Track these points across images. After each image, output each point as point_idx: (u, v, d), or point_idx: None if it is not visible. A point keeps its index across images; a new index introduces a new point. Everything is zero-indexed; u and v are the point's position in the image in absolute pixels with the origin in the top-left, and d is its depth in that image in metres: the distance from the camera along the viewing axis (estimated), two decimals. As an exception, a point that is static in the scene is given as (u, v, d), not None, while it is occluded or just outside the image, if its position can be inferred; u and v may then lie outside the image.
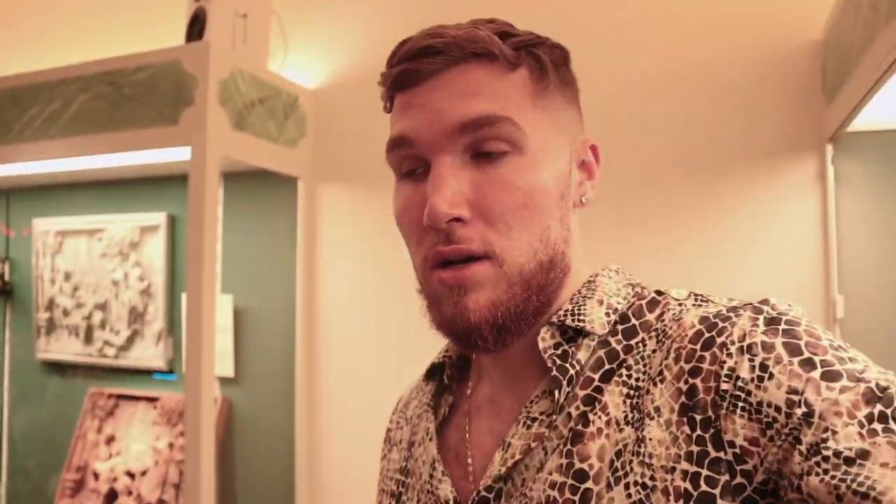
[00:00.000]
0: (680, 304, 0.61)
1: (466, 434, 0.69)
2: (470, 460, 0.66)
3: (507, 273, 0.59)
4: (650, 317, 0.62)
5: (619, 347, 0.61)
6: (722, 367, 0.52)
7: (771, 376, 0.50)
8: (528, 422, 0.61)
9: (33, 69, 1.81)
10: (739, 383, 0.51)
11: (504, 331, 0.60)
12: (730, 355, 0.53)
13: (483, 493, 0.61)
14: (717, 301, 0.61)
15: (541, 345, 0.62)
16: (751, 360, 0.51)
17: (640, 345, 0.60)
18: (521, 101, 0.60)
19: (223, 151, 1.66)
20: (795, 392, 0.49)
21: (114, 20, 2.18)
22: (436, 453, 0.68)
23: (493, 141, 0.59)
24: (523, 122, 0.60)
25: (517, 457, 0.60)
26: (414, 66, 0.60)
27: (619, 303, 0.64)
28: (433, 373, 0.77)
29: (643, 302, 0.64)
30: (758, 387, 0.50)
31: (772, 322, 0.53)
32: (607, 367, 0.60)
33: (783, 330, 0.52)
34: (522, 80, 0.61)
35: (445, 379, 0.74)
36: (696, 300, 0.62)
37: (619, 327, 0.63)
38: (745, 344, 0.53)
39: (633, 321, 0.62)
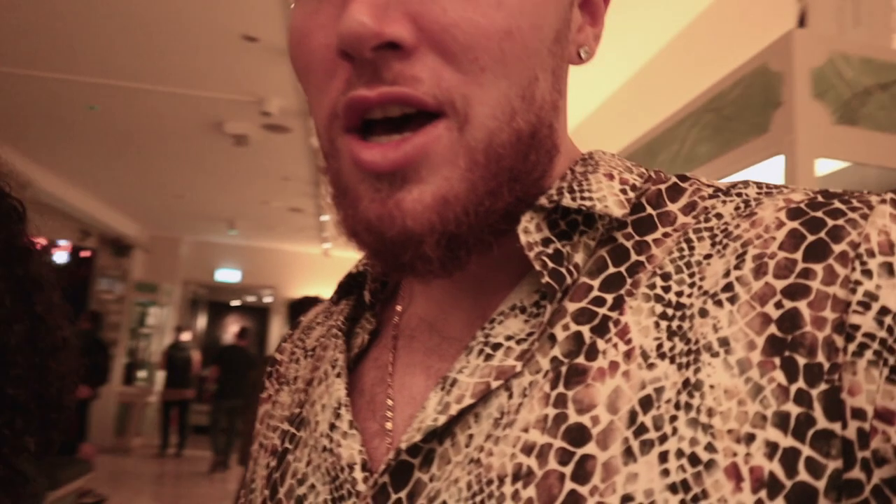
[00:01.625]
0: (730, 195, 0.43)
1: (389, 373, 0.48)
2: (390, 410, 0.46)
3: (470, 142, 0.39)
4: (673, 207, 0.44)
5: (628, 244, 0.43)
6: (850, 289, 0.35)
7: None
8: (488, 350, 0.42)
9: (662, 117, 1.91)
10: (888, 320, 0.34)
11: (458, 244, 0.40)
12: (866, 272, 0.35)
13: (404, 457, 0.41)
14: (798, 188, 0.42)
15: (523, 239, 0.42)
16: None
17: (675, 244, 0.42)
18: None
19: (819, 152, 1.38)
20: None
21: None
22: (343, 395, 0.47)
23: None
24: None
25: (467, 401, 0.40)
26: None
27: (635, 179, 0.46)
28: (347, 288, 0.56)
29: (662, 186, 0.46)
30: None
31: None
32: (612, 270, 0.42)
33: None
34: None
35: (366, 296, 0.53)
36: (759, 188, 0.43)
37: (629, 218, 0.44)
38: (892, 260, 0.35)
39: (649, 210, 0.45)
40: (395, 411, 0.46)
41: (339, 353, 0.50)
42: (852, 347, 0.34)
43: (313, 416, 0.50)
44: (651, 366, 0.37)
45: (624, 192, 0.44)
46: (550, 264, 0.41)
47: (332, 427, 0.47)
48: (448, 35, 0.38)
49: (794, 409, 0.33)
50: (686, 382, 0.36)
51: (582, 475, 0.35)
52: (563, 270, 0.42)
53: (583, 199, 0.43)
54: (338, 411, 0.47)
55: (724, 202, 0.43)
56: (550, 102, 0.43)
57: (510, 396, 0.40)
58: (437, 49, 0.39)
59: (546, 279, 0.41)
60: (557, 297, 0.41)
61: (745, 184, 0.44)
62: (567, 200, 0.42)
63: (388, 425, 0.45)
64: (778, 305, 0.36)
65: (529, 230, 0.42)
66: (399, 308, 0.52)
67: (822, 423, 0.33)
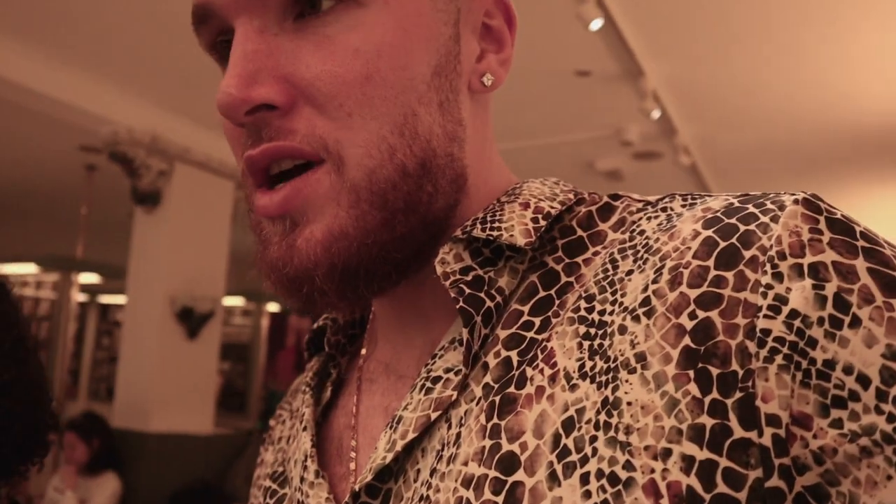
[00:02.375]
0: (657, 209, 0.45)
1: (353, 417, 0.53)
2: (353, 452, 0.50)
3: (351, 183, 0.43)
4: (604, 226, 0.47)
5: (559, 268, 0.46)
6: (760, 293, 0.36)
7: (855, 321, 0.34)
8: (429, 384, 0.45)
9: None
10: (796, 323, 0.34)
11: (354, 278, 0.44)
12: (776, 275, 0.36)
13: (363, 498, 0.45)
14: (722, 196, 0.43)
15: (439, 269, 0.45)
16: (817, 288, 0.35)
17: (603, 264, 0.43)
18: None
19: None
20: None
21: None
22: (309, 447, 0.52)
23: None
24: None
25: (410, 436, 0.43)
26: None
27: (552, 207, 0.48)
28: (317, 343, 0.61)
29: (593, 208, 0.48)
30: (829, 335, 0.34)
31: (842, 228, 0.36)
32: (542, 294, 0.45)
33: (863, 248, 0.35)
34: None
35: (326, 347, 0.59)
36: (683, 200, 0.45)
37: (559, 242, 0.47)
38: (803, 261, 0.36)
39: (580, 232, 0.47)
40: (359, 453, 0.50)
41: (306, 408, 0.55)
42: (763, 353, 0.35)
43: (290, 471, 0.55)
44: (574, 387, 0.39)
45: (535, 220, 0.46)
46: (467, 290, 0.44)
47: (302, 479, 0.51)
48: (313, 88, 0.43)
49: (708, 422, 0.34)
50: (605, 401, 0.38)
51: (512, 503, 0.37)
52: (482, 294, 0.44)
53: (492, 229, 0.45)
54: (305, 463, 0.51)
55: (649, 218, 0.44)
56: (443, 134, 0.46)
57: (449, 427, 0.42)
58: (310, 102, 0.43)
59: (461, 304, 0.43)
60: (479, 323, 0.43)
61: (672, 197, 0.46)
62: (477, 231, 0.45)
63: (353, 466, 0.49)
64: (692, 316, 0.37)
65: (447, 261, 0.45)
66: (363, 352, 0.57)
67: (738, 432, 0.34)
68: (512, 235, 0.45)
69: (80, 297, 8.18)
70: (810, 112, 4.36)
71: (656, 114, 3.93)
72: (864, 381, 0.33)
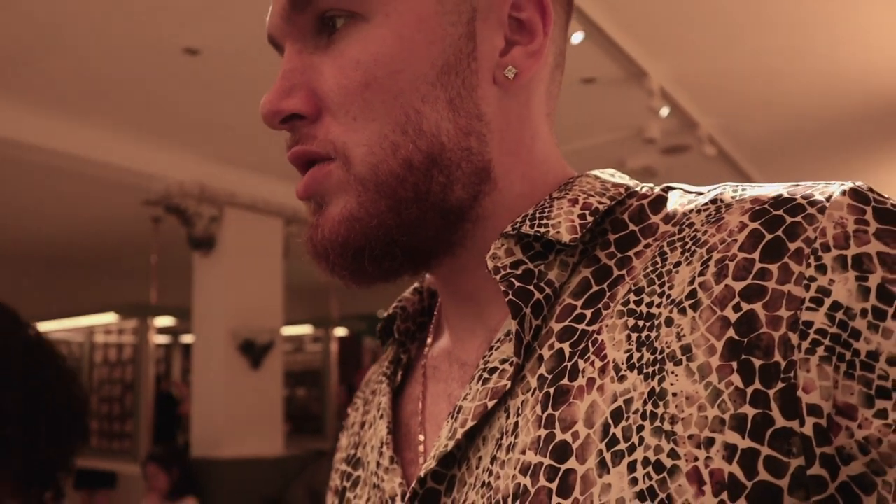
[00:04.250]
0: (707, 200, 0.44)
1: (420, 404, 0.55)
2: (422, 440, 0.52)
3: (357, 176, 0.48)
4: (656, 219, 0.46)
5: (611, 263, 0.46)
6: (803, 286, 0.36)
7: None
8: (485, 375, 0.47)
9: None
10: (839, 315, 0.35)
11: (360, 254, 0.48)
12: (820, 268, 0.36)
13: (430, 484, 0.46)
14: (770, 185, 0.42)
15: (490, 264, 0.47)
16: (860, 280, 0.35)
17: (653, 256, 0.44)
18: None
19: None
20: None
21: None
22: (385, 434, 0.54)
23: (330, 10, 0.48)
24: None
25: (469, 424, 0.45)
26: None
27: (601, 203, 0.48)
28: (386, 330, 0.62)
29: (645, 202, 0.48)
30: (872, 327, 0.34)
31: (890, 218, 0.36)
32: (596, 288, 0.45)
33: None
34: None
35: (396, 334, 0.61)
36: (734, 191, 0.44)
37: (611, 236, 0.47)
38: (847, 252, 0.35)
39: (632, 226, 0.47)
40: (427, 439, 0.52)
41: (383, 397, 0.58)
42: (805, 344, 0.34)
43: (365, 456, 0.58)
44: (622, 378, 0.39)
45: (583, 216, 0.47)
46: (517, 284, 0.45)
47: (378, 464, 0.54)
48: (328, 98, 0.48)
49: (750, 411, 0.34)
50: (651, 392, 0.38)
51: (565, 489, 0.38)
52: (531, 287, 0.45)
53: (540, 225, 0.47)
54: (381, 449, 0.54)
55: (698, 210, 0.44)
56: (454, 129, 0.48)
57: (507, 416, 0.44)
58: (328, 111, 0.48)
59: (510, 297, 0.45)
60: (528, 315, 0.45)
61: (723, 187, 0.45)
62: (526, 228, 0.47)
63: (421, 450, 0.52)
64: (736, 308, 0.37)
65: (498, 256, 0.47)
66: (429, 341, 0.59)
67: (779, 422, 0.34)
68: (558, 232, 0.46)
69: (162, 339, 8.65)
70: (829, 88, 4.37)
71: (665, 111, 4.03)
72: None
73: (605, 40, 3.47)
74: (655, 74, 3.93)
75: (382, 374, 0.60)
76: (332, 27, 0.48)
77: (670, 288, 0.41)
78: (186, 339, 8.76)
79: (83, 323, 6.00)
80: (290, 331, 7.38)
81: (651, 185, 0.51)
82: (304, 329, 7.94)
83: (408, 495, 0.47)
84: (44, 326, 6.34)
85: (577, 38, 3.12)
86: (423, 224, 0.48)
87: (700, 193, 0.47)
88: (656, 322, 0.40)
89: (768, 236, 0.38)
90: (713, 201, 0.44)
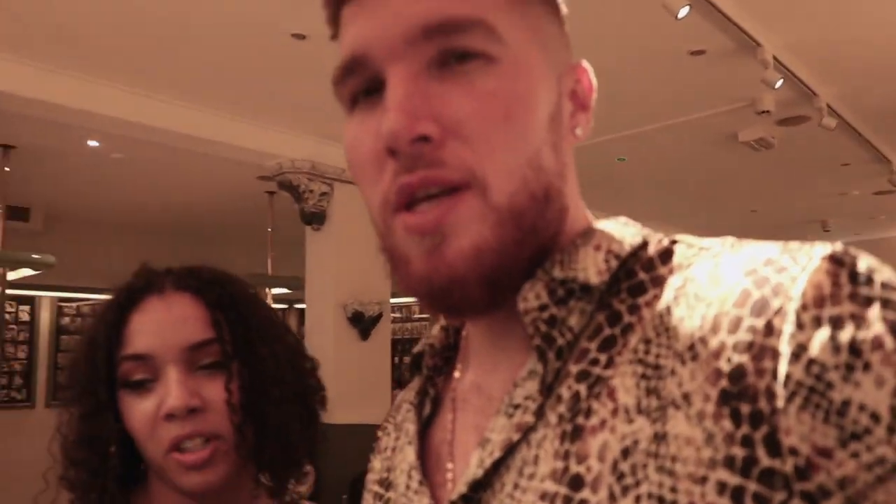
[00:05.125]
0: (709, 255, 0.49)
1: (450, 433, 0.58)
2: (450, 465, 0.56)
3: (494, 205, 0.48)
4: (663, 270, 0.50)
5: (622, 308, 0.49)
6: (784, 341, 0.40)
7: (868, 367, 0.38)
8: (511, 410, 0.51)
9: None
10: (815, 369, 0.38)
11: (495, 285, 0.49)
12: (799, 325, 0.40)
13: None
14: (764, 245, 0.46)
15: (521, 306, 0.50)
16: (833, 338, 0.39)
17: (661, 308, 0.47)
18: (496, 3, 0.51)
19: None
20: None
21: None
22: (413, 459, 0.58)
23: (466, 47, 0.50)
24: (501, 27, 0.50)
25: (496, 455, 0.49)
26: None
27: (622, 249, 0.52)
28: (417, 366, 0.66)
29: (654, 253, 0.52)
30: (845, 379, 0.38)
31: (861, 281, 0.40)
32: (608, 332, 0.49)
33: (881, 298, 0.39)
34: None
35: (424, 370, 0.64)
36: (732, 247, 0.48)
37: (624, 284, 0.50)
38: (823, 313, 0.39)
39: (641, 275, 0.50)
40: (456, 466, 0.55)
41: (410, 424, 0.62)
42: (786, 394, 0.38)
43: (395, 478, 0.61)
44: (631, 421, 0.44)
45: (607, 261, 0.51)
46: (543, 328, 0.49)
47: (407, 486, 0.58)
48: (462, 126, 0.48)
49: (739, 452, 0.39)
50: (656, 434, 0.43)
51: None
52: (555, 332, 0.49)
53: (571, 269, 0.50)
54: (410, 473, 0.58)
55: (700, 265, 0.48)
56: (556, 171, 0.52)
57: (529, 448, 0.48)
58: (457, 137, 0.48)
59: (537, 341, 0.49)
60: (551, 358, 0.49)
61: (723, 243, 0.50)
62: (557, 272, 0.50)
63: (449, 476, 0.55)
64: (728, 361, 0.41)
65: (528, 298, 0.50)
66: (457, 375, 0.61)
67: (764, 461, 0.39)
68: (586, 275, 0.50)
69: (279, 306, 9.06)
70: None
71: (779, 82, 3.85)
72: (875, 417, 0.36)
73: (713, 12, 3.35)
74: (769, 44, 3.76)
75: (410, 404, 0.64)
76: (459, 60, 0.50)
77: (675, 341, 0.45)
78: (301, 304, 9.18)
79: (206, 290, 6.37)
80: (397, 300, 7.59)
81: (660, 236, 0.54)
82: (411, 299, 8.10)
83: None
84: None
85: (682, 12, 3.02)
86: (532, 257, 0.51)
87: (703, 248, 0.50)
88: (662, 372, 0.44)
89: (756, 294, 0.42)
90: (714, 256, 0.48)
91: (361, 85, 0.52)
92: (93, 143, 4.90)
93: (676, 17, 3.03)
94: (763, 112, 4.55)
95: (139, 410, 0.85)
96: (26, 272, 5.18)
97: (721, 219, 8.44)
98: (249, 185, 5.76)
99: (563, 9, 0.59)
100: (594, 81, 0.58)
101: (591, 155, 5.50)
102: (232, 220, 7.50)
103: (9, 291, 5.19)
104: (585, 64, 0.59)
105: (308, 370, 0.99)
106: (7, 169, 4.94)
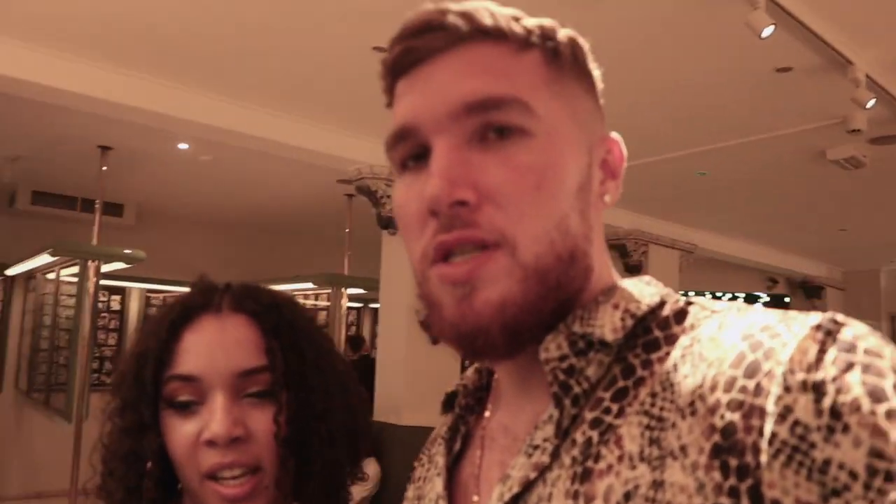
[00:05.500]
0: (717, 318, 0.52)
1: (477, 468, 0.63)
2: (476, 497, 0.61)
3: (521, 263, 0.54)
4: (677, 330, 0.54)
5: (636, 363, 0.53)
6: (772, 402, 0.43)
7: (846, 428, 0.40)
8: (530, 450, 0.55)
9: None
10: (798, 430, 0.41)
11: (517, 334, 0.54)
12: (786, 389, 0.43)
13: None
14: (766, 312, 0.50)
15: (542, 356, 0.55)
16: (816, 401, 0.41)
17: (669, 365, 0.51)
18: (533, 83, 0.56)
19: None
20: (880, 455, 0.39)
21: None
22: (441, 490, 0.64)
23: (504, 122, 0.55)
24: (536, 104, 0.56)
25: (514, 490, 0.54)
26: (415, 43, 0.58)
27: (639, 308, 0.56)
28: (450, 404, 0.71)
29: (670, 313, 0.56)
30: (826, 440, 0.40)
31: (844, 348, 0.43)
32: (621, 384, 0.53)
33: (863, 363, 0.42)
34: (535, 62, 0.58)
35: (457, 408, 0.69)
36: (738, 312, 0.52)
37: (640, 340, 0.55)
38: (808, 377, 0.43)
39: (657, 333, 0.55)
40: (481, 499, 0.60)
41: (440, 457, 0.67)
42: (771, 451, 0.42)
43: None
44: (634, 467, 0.48)
45: (623, 320, 0.55)
46: (561, 377, 0.54)
47: None
48: (497, 193, 0.54)
49: (725, 501, 0.43)
50: (655, 481, 0.46)
51: None
52: (572, 381, 0.54)
53: (589, 325, 0.55)
54: (437, 502, 0.63)
55: (708, 327, 0.52)
56: (581, 234, 0.57)
57: (545, 485, 0.52)
58: (492, 202, 0.54)
59: (554, 388, 0.54)
60: (567, 405, 0.53)
61: (731, 309, 0.54)
62: (577, 327, 0.55)
63: None
64: (721, 417, 0.45)
65: (549, 349, 0.55)
66: (487, 414, 0.66)
67: None
68: (602, 331, 0.54)
69: (354, 305, 9.20)
70: None
71: (871, 102, 3.70)
72: (853, 475, 0.39)
73: (800, 28, 3.25)
74: (860, 62, 3.62)
75: (441, 438, 0.69)
76: (494, 133, 0.55)
77: (679, 396, 0.48)
78: (376, 304, 9.29)
79: (286, 288, 6.57)
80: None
81: (677, 296, 0.58)
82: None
83: None
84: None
85: (766, 31, 2.94)
86: (554, 311, 0.55)
87: (714, 311, 0.54)
88: (664, 424, 0.48)
89: (750, 357, 0.46)
90: (720, 319, 0.52)
91: (410, 151, 0.58)
92: (183, 146, 5.14)
93: (760, 36, 2.95)
94: (854, 131, 4.38)
95: (181, 433, 0.82)
96: (119, 265, 5.46)
97: (808, 235, 8.14)
98: (329, 188, 5.90)
99: (599, 84, 0.64)
100: (624, 152, 0.63)
101: (671, 168, 5.41)
102: (311, 221, 7.70)
103: (102, 282, 5.45)
104: (616, 136, 0.64)
105: (357, 406, 0.93)
106: (104, 168, 5.23)
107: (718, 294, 9.06)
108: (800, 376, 0.42)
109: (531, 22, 0.59)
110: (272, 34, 3.47)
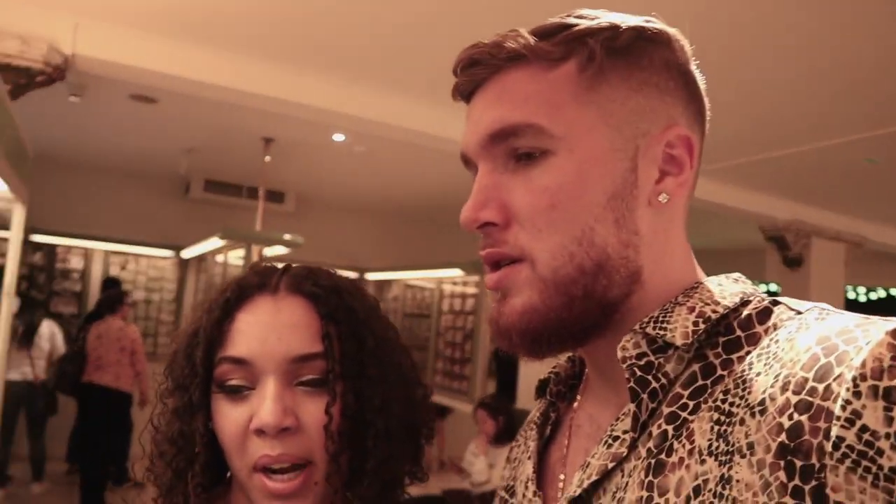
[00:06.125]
0: (799, 319, 0.53)
1: (565, 453, 0.67)
2: (561, 481, 0.65)
3: (540, 276, 0.58)
4: (759, 329, 0.55)
5: (717, 362, 0.55)
6: (840, 406, 0.43)
7: None
8: (610, 440, 0.58)
9: None
10: (866, 436, 0.42)
11: (538, 339, 0.59)
12: (856, 394, 0.43)
13: None
14: (850, 316, 0.51)
15: (619, 354, 0.57)
16: (887, 409, 0.42)
17: (746, 363, 0.53)
18: (556, 100, 0.59)
19: None
20: None
21: None
22: (531, 472, 0.68)
23: (523, 147, 0.59)
24: (556, 123, 0.58)
25: (593, 478, 0.57)
26: (461, 79, 0.65)
27: (715, 311, 0.57)
28: (542, 389, 0.76)
29: (754, 311, 0.57)
30: (894, 448, 0.41)
31: None
32: (700, 382, 0.55)
33: None
34: (564, 76, 0.60)
35: (548, 395, 0.74)
36: (820, 315, 0.53)
37: (721, 339, 0.56)
38: (879, 384, 0.42)
39: (738, 332, 0.56)
40: (566, 482, 0.64)
41: (532, 442, 0.71)
42: (837, 455, 0.42)
43: (518, 486, 0.72)
44: (703, 462, 0.50)
45: (696, 324, 0.57)
46: (638, 373, 0.56)
47: (524, 495, 0.68)
48: (518, 213, 0.59)
49: (790, 502, 0.44)
50: (722, 476, 0.48)
51: None
52: (650, 377, 0.56)
53: (661, 328, 0.57)
54: (527, 483, 0.68)
55: (788, 329, 0.52)
56: (617, 242, 0.59)
57: (622, 475, 0.55)
58: (516, 221, 0.60)
59: (631, 384, 0.56)
60: (645, 400, 0.56)
61: (814, 310, 0.54)
62: (650, 329, 0.57)
63: (560, 491, 0.64)
64: (790, 417, 0.45)
65: (626, 348, 0.57)
66: (576, 404, 0.70)
67: None
68: (673, 336, 0.56)
69: (500, 293, 9.23)
70: None
71: None
72: None
73: None
74: None
75: (534, 423, 0.73)
76: (524, 157, 0.59)
77: (749, 393, 0.49)
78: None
79: (434, 275, 6.71)
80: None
81: (763, 295, 0.59)
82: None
83: None
84: (405, 275, 7.21)
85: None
86: (586, 316, 0.58)
87: (798, 312, 0.55)
88: (734, 420, 0.49)
89: (823, 360, 0.46)
90: (800, 322, 0.52)
91: (474, 171, 0.65)
92: (338, 138, 5.38)
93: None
94: None
95: (231, 418, 0.77)
96: (280, 249, 5.81)
97: None
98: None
99: (670, 74, 0.61)
100: (695, 143, 0.61)
101: (836, 155, 5.05)
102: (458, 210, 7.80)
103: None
104: (682, 126, 0.61)
105: (419, 400, 0.87)
106: (267, 158, 5.59)
107: (894, 292, 8.35)
108: (871, 382, 0.42)
109: (572, 29, 0.60)
110: (425, 30, 3.56)
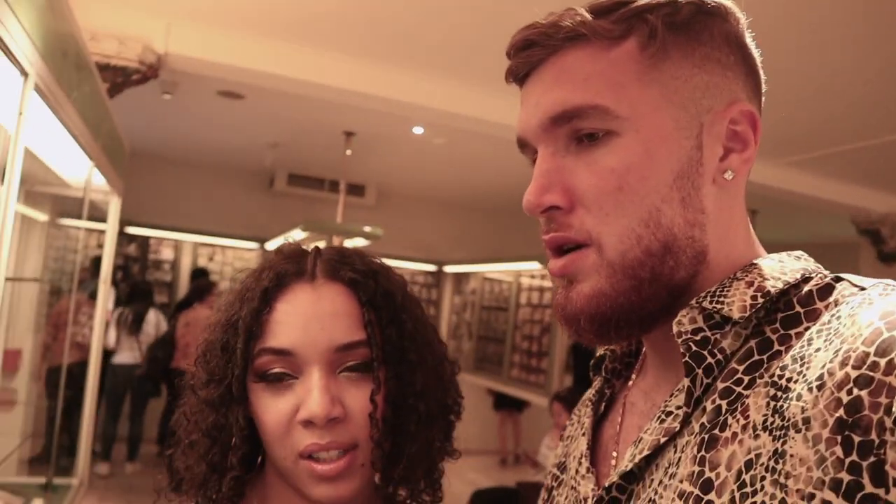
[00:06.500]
0: (863, 295, 0.52)
1: (618, 430, 0.66)
2: (614, 458, 0.64)
3: (608, 261, 0.57)
4: (820, 305, 0.54)
5: (774, 337, 0.54)
6: None
7: None
8: (663, 416, 0.57)
9: None
10: None
11: (606, 324, 0.58)
12: None
13: (613, 493, 0.59)
14: None
15: (675, 329, 0.56)
16: None
17: (804, 339, 0.52)
18: (619, 80, 0.58)
19: None
20: None
21: None
22: (584, 448, 0.67)
23: (587, 129, 0.58)
24: (620, 102, 0.57)
25: (645, 453, 0.56)
26: (516, 61, 0.64)
27: (774, 286, 0.56)
28: (597, 367, 0.75)
29: (815, 287, 0.56)
30: None
31: None
32: (756, 357, 0.54)
33: None
34: (626, 55, 0.58)
35: (604, 372, 0.74)
36: (885, 289, 0.52)
37: (779, 315, 0.55)
38: None
39: (798, 308, 0.55)
40: (618, 458, 0.63)
41: (587, 419, 0.71)
42: None
43: (569, 463, 0.70)
44: (757, 436, 0.49)
45: (755, 298, 0.55)
46: (694, 348, 0.55)
47: (577, 471, 0.67)
48: (584, 196, 0.58)
49: (846, 477, 0.42)
50: (776, 451, 0.47)
51: None
52: (705, 352, 0.55)
53: (718, 302, 0.56)
54: (580, 460, 0.67)
55: (850, 304, 0.51)
56: (684, 222, 0.58)
57: (675, 451, 0.54)
58: (582, 205, 0.58)
59: (686, 359, 0.55)
60: (700, 374, 0.54)
61: (879, 286, 0.52)
62: (706, 303, 0.56)
63: (613, 466, 0.63)
64: (849, 392, 0.44)
65: (682, 322, 0.56)
66: (631, 383, 0.70)
67: (868, 488, 0.41)
68: (730, 310, 0.55)
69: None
70: None
71: None
72: None
73: None
74: None
75: (589, 401, 0.73)
76: (587, 138, 0.58)
77: (807, 368, 0.48)
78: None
79: (512, 268, 6.69)
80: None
81: (825, 272, 0.58)
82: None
83: (595, 498, 0.59)
84: (483, 268, 7.24)
85: None
86: (655, 298, 0.58)
87: (862, 288, 0.53)
88: (790, 395, 0.48)
89: (885, 335, 0.44)
90: (865, 296, 0.50)
91: (532, 156, 0.64)
92: (418, 130, 5.43)
93: None
94: None
95: (274, 409, 0.75)
96: (360, 241, 5.92)
97: None
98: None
99: (731, 49, 0.60)
100: (758, 118, 0.61)
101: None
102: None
103: (345, 257, 5.93)
104: (744, 101, 0.60)
105: (450, 378, 0.87)
106: (348, 152, 5.69)
107: None
108: None
109: (631, 5, 0.58)
110: (504, 20, 3.55)
